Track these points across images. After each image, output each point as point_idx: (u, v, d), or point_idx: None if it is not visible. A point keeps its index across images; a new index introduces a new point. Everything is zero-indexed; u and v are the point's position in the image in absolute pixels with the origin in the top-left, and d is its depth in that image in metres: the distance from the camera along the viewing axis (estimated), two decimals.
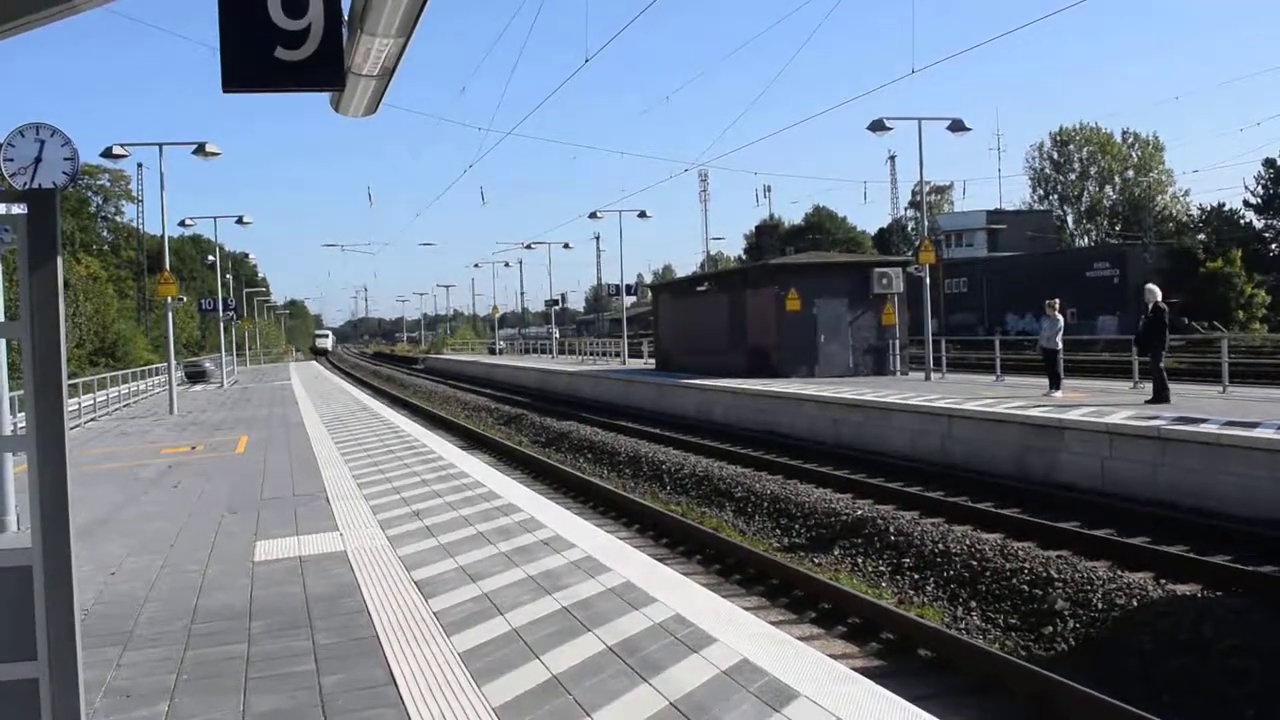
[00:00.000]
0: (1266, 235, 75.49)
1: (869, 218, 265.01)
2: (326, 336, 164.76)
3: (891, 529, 13.97)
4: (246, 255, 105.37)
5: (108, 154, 28.56)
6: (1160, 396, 18.78)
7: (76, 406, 28.17)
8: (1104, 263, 57.49)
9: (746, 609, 7.92)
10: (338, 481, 13.94)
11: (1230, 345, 29.52)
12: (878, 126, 28.78)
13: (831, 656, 6.50)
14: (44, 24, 4.42)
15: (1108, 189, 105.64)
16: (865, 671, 6.77)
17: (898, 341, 32.17)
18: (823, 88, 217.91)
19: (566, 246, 72.91)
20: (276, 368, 77.68)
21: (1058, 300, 22.49)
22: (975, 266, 65.79)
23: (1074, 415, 17.36)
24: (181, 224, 47.67)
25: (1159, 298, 19.25)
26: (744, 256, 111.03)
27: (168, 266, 32.26)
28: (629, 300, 60.29)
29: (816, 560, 13.83)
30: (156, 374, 47.48)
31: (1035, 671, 8.73)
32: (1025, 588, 11.28)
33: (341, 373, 77.62)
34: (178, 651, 6.66)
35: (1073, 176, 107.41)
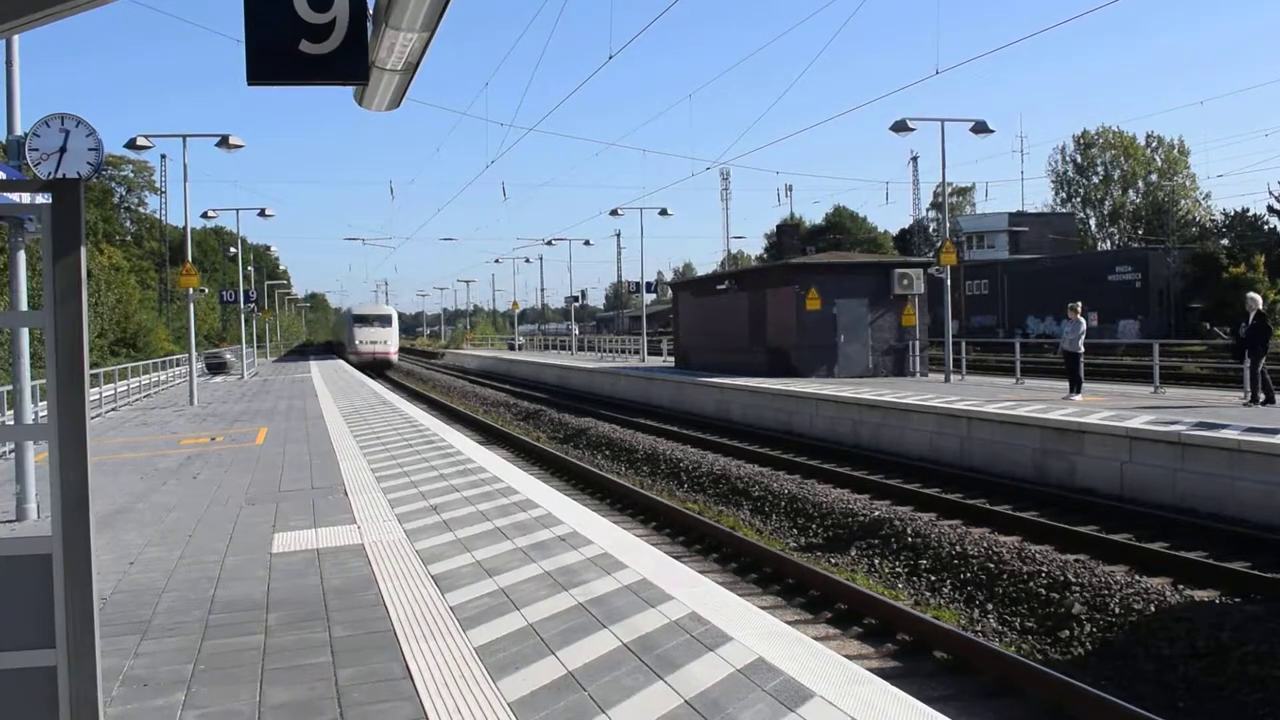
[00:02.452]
0: None
1: (890, 218, 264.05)
2: (387, 324, 73.58)
3: (909, 530, 13.93)
4: (268, 248, 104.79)
5: (132, 145, 28.68)
6: (1270, 398, 19.18)
7: (97, 396, 28.32)
8: (1126, 266, 57.16)
9: (762, 608, 7.91)
10: (356, 475, 13.99)
11: None
12: (900, 127, 28.70)
13: (847, 657, 6.48)
14: (48, 22, 4.44)
15: (1130, 193, 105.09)
16: (880, 672, 6.76)
17: (918, 343, 32.08)
18: (845, 88, 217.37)
19: (587, 244, 73.76)
20: (296, 361, 78.00)
21: (1080, 303, 22.39)
22: (996, 268, 65.50)
23: (1094, 419, 17.29)
24: (204, 216, 47.73)
25: (1260, 305, 19.33)
26: (764, 255, 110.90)
27: (190, 258, 32.41)
28: (649, 298, 60.28)
29: (833, 560, 13.80)
30: (177, 365, 47.72)
31: (1051, 675, 8.69)
32: (1043, 591, 11.23)
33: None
34: (195, 641, 6.70)
35: (1096, 180, 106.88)
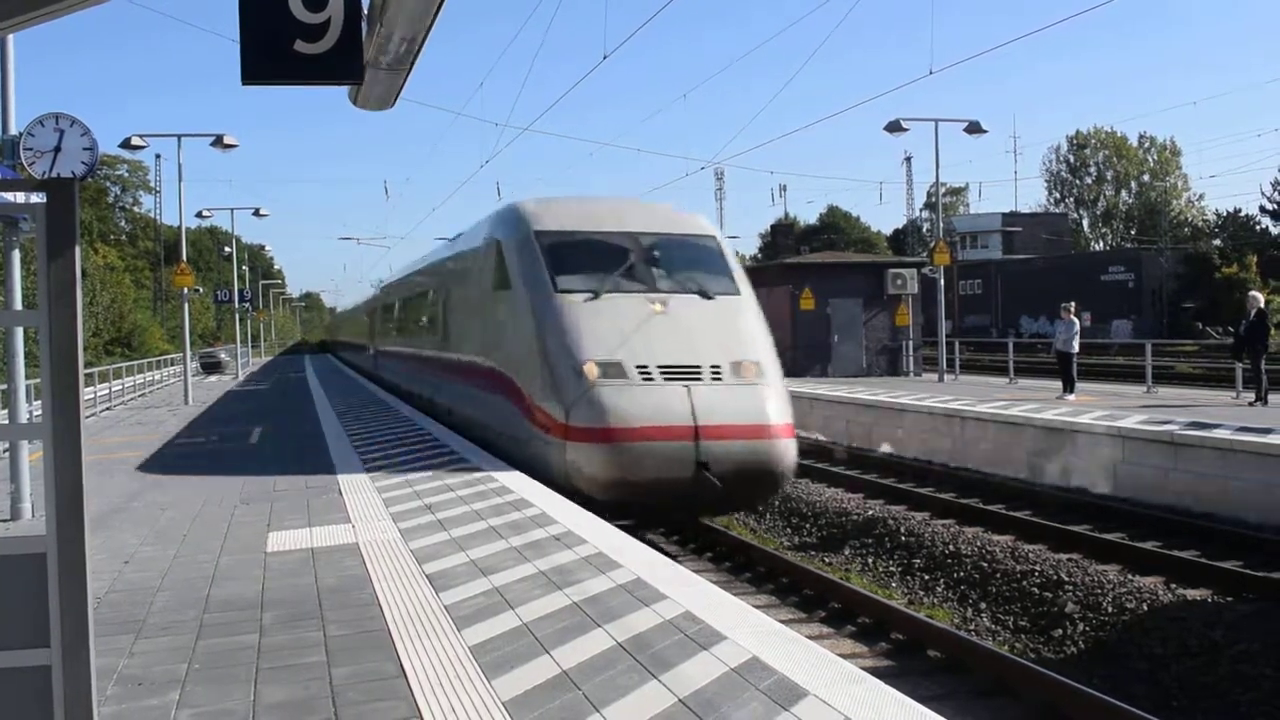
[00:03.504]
0: None
1: (884, 218, 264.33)
2: (723, 288, 14.56)
3: (902, 529, 13.96)
4: (263, 247, 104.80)
5: (126, 144, 28.68)
6: (1264, 398, 19.10)
7: (92, 395, 28.27)
8: (1119, 266, 57.26)
9: (757, 607, 7.92)
10: (351, 473, 13.96)
11: None
12: (894, 127, 28.76)
13: (841, 656, 6.49)
14: (42, 21, 4.44)
15: (1124, 193, 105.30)
16: (875, 671, 6.76)
17: (911, 342, 32.17)
18: (839, 88, 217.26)
19: None
20: (291, 360, 77.86)
21: (1073, 304, 22.43)
22: (990, 268, 65.56)
23: (1087, 419, 17.32)
24: (199, 215, 47.70)
25: (1261, 304, 19.52)
26: (758, 255, 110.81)
27: (184, 257, 32.38)
28: None
29: (827, 560, 13.83)
30: (172, 364, 47.68)
31: (1045, 674, 8.72)
32: (1036, 590, 11.26)
33: (355, 367, 77.76)
34: (189, 641, 6.69)
35: (1089, 180, 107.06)
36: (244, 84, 5.32)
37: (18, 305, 11.49)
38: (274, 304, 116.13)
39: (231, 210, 51.93)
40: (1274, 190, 75.88)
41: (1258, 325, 19.15)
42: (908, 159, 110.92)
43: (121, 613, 7.42)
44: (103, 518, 11.24)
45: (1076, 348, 21.88)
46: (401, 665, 6.03)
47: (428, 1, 5.33)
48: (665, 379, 12.88)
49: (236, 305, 53.54)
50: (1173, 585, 11.09)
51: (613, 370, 12.95)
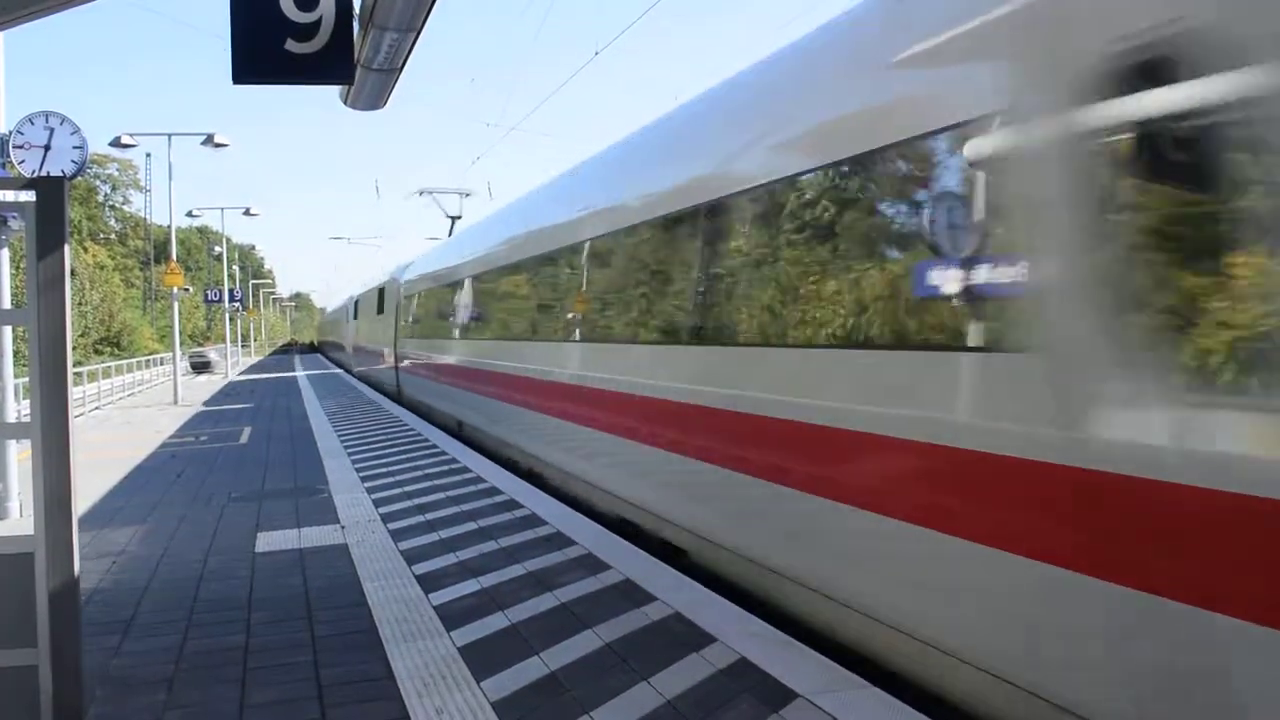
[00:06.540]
0: None
1: None
2: None
3: None
4: (253, 247, 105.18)
5: (116, 143, 28.62)
6: None
7: (81, 395, 28.21)
8: None
9: (748, 608, 7.92)
10: (340, 474, 13.95)
11: None
12: None
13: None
14: (31, 19, 4.44)
15: None
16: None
17: None
18: None
19: None
20: (280, 360, 77.71)
21: None
22: None
23: None
24: (189, 214, 47.69)
25: None
26: None
27: (174, 257, 32.32)
28: None
29: None
30: (161, 364, 47.59)
31: None
32: None
33: (346, 368, 77.63)
34: (177, 641, 6.67)
35: None
36: (235, 83, 5.31)
37: (6, 304, 11.46)
38: (264, 304, 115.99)
39: (222, 210, 51.99)
40: None
41: None
42: None
43: (109, 612, 7.40)
44: (91, 517, 11.21)
45: None
46: (390, 666, 6.02)
47: (419, 1, 5.33)
48: None
49: (226, 305, 53.46)
50: None
51: None
